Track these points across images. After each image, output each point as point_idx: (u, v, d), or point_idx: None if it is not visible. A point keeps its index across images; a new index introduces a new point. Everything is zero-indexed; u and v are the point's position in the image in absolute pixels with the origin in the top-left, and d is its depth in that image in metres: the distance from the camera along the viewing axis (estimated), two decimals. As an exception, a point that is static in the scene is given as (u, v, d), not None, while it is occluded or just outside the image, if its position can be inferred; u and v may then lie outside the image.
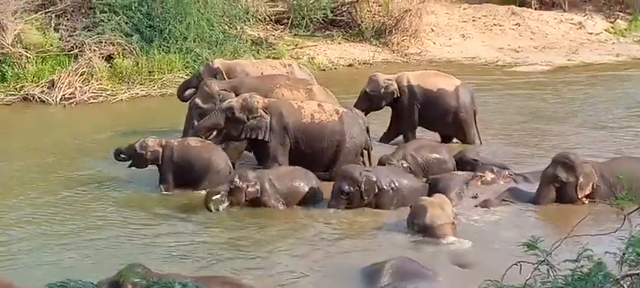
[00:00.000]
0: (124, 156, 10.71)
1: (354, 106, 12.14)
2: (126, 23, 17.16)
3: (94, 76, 16.22)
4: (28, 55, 16.17)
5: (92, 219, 9.66)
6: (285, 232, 9.32)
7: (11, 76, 15.93)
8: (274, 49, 19.37)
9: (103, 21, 17.06)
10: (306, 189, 10.07)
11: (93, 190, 10.58)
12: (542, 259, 3.20)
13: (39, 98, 15.66)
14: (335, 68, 19.15)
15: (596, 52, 21.51)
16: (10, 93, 15.73)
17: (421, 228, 8.88)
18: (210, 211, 9.58)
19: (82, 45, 16.67)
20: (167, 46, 17.08)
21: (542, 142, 13.09)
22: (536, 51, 21.32)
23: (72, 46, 16.73)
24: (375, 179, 9.90)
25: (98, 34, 16.93)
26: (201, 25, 17.53)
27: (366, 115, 12.02)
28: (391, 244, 8.79)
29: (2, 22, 16.02)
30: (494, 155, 11.99)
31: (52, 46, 16.65)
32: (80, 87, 15.94)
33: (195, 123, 11.44)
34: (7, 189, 10.80)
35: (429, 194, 9.87)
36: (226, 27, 18.47)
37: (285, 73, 13.09)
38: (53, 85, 15.88)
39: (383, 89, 12.53)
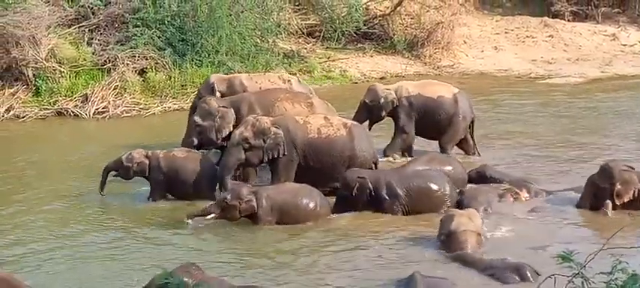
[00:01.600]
0: (114, 173, 10.87)
1: (354, 117, 12.15)
2: (158, 37, 17.25)
3: (127, 90, 16.32)
4: (62, 70, 16.29)
5: (125, 231, 9.70)
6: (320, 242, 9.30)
7: (45, 90, 16.06)
8: (306, 62, 19.38)
9: (135, 35, 17.17)
10: (311, 206, 9.89)
11: (126, 204, 10.67)
12: (577, 272, 3.15)
13: (73, 112, 15.77)
14: (367, 81, 19.08)
15: (630, 63, 21.30)
16: (45, 107, 15.85)
17: (445, 235, 8.82)
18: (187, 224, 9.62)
19: (115, 59, 16.77)
20: (199, 60, 17.14)
21: (576, 154, 12.95)
22: (569, 63, 21.15)
23: (105, 61, 16.84)
24: (369, 185, 9.99)
25: (131, 48, 17.03)
26: (234, 38, 17.58)
27: (369, 128, 12.18)
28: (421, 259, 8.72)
29: (36, 36, 16.14)
30: (528, 169, 11.91)
31: (85, 60, 16.77)
32: (113, 101, 16.04)
33: (194, 140, 11.48)
34: (42, 202, 10.86)
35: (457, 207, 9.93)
36: (258, 40, 18.50)
37: (284, 87, 13.08)
38: (87, 99, 15.99)
39: (382, 99, 12.48)
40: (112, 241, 9.35)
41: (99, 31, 17.56)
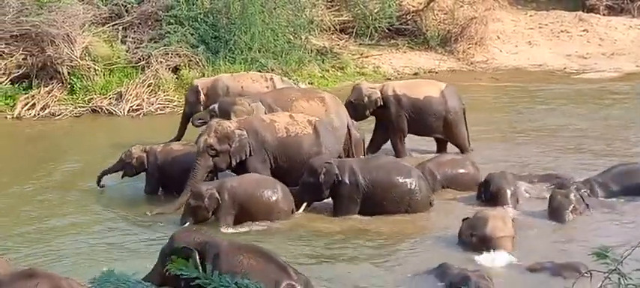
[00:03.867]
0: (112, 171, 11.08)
1: None
2: (191, 35, 17.32)
3: (161, 88, 16.39)
4: (96, 68, 16.39)
5: (160, 228, 9.77)
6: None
7: (80, 88, 16.17)
8: (339, 58, 19.36)
9: (169, 33, 17.24)
10: (273, 199, 9.86)
11: (161, 202, 10.74)
12: (613, 268, 3.11)
13: (107, 110, 15.86)
14: (400, 77, 19.01)
15: (667, 57, 21.07)
16: (79, 105, 15.95)
17: (480, 238, 8.71)
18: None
19: (149, 57, 16.86)
20: (232, 57, 17.18)
21: (613, 149, 12.85)
22: (604, 58, 20.94)
23: (139, 58, 16.93)
24: (336, 171, 9.98)
25: (164, 45, 17.11)
26: (266, 35, 17.62)
27: None
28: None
29: (71, 35, 16.25)
30: (564, 163, 11.85)
31: (119, 58, 16.86)
32: (147, 98, 16.12)
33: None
34: (80, 202, 10.97)
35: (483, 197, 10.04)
36: (291, 37, 18.52)
37: (267, 86, 13.01)
38: (121, 97, 16.08)
39: (366, 98, 12.44)
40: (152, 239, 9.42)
41: (132, 28, 17.65)
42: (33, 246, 9.33)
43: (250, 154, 10.48)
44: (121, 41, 17.32)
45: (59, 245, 9.35)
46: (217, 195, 9.71)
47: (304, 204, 10.17)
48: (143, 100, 16.06)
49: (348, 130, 11.47)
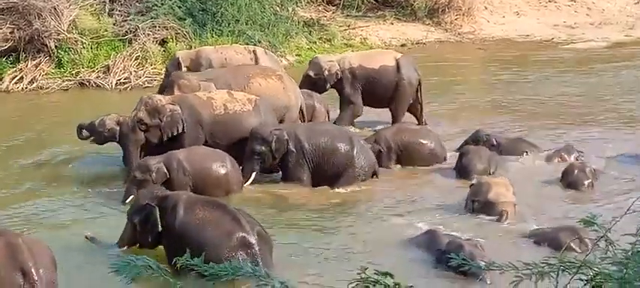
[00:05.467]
0: (86, 133, 10.94)
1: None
2: (179, 7, 17.25)
3: (149, 61, 16.34)
4: (84, 41, 16.33)
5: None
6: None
7: (67, 61, 16.11)
8: (326, 30, 19.33)
9: (156, 5, 17.16)
10: (222, 171, 9.82)
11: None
12: (602, 235, 3.15)
13: (95, 83, 15.82)
14: (387, 48, 19.01)
15: (654, 27, 21.13)
16: (67, 78, 15.90)
17: (482, 204, 8.85)
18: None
19: (136, 30, 16.79)
20: (220, 30, 17.14)
21: (599, 119, 12.93)
22: (592, 27, 21.00)
23: (126, 31, 16.86)
24: (286, 137, 10.05)
25: (151, 18, 17.04)
26: (253, 7, 17.57)
27: None
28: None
29: (58, 8, 16.17)
30: (552, 133, 11.96)
31: (106, 31, 16.78)
32: (135, 71, 16.08)
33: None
34: (68, 175, 11.00)
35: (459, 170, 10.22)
36: (278, 8, 18.47)
37: (250, 58, 12.97)
38: (108, 70, 16.03)
39: (326, 72, 12.39)
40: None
41: (119, 1, 17.54)
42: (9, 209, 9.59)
43: (183, 130, 10.35)
44: (108, 14, 17.22)
45: (30, 209, 9.63)
46: (165, 169, 9.65)
47: (253, 174, 10.13)
48: (131, 73, 16.02)
49: (301, 110, 11.40)
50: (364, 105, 12.61)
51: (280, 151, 10.09)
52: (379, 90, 12.35)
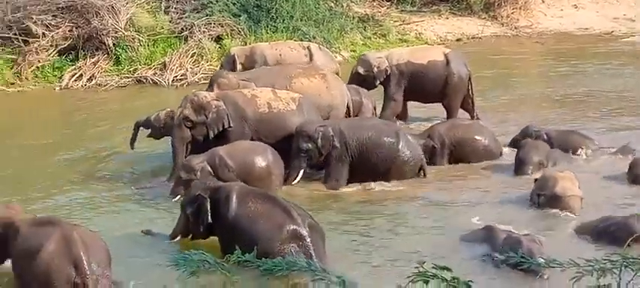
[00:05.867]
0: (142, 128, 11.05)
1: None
2: (233, 4, 17.34)
3: (204, 57, 16.46)
4: (141, 38, 16.50)
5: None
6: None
7: (125, 59, 16.29)
8: (381, 25, 19.27)
9: (211, 2, 17.28)
10: (263, 164, 9.77)
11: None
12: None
13: (152, 80, 15.97)
14: (443, 43, 18.91)
15: None
16: (125, 76, 16.09)
17: (548, 198, 8.78)
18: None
19: (192, 27, 16.92)
20: (274, 26, 17.19)
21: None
22: (653, 20, 20.64)
23: (182, 28, 16.99)
24: (331, 133, 10.00)
25: (207, 15, 17.16)
26: (308, 3, 17.58)
27: None
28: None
29: (115, 6, 16.37)
30: (611, 128, 11.81)
31: (162, 28, 16.94)
32: (191, 68, 16.20)
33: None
34: (124, 169, 11.13)
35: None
36: (332, 4, 18.47)
37: (304, 54, 12.98)
38: (165, 67, 16.18)
39: (376, 68, 12.31)
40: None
41: (175, -1, 17.71)
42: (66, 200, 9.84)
43: (229, 125, 10.35)
44: (164, 12, 17.38)
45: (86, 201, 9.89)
46: (209, 168, 9.67)
47: (301, 171, 10.13)
48: (187, 69, 16.15)
49: (348, 108, 11.35)
50: (413, 101, 12.57)
51: (326, 148, 10.09)
52: (428, 85, 12.27)
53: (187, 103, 10.44)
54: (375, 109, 11.96)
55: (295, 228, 7.56)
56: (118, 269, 7.10)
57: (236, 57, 13.03)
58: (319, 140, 10.04)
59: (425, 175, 10.32)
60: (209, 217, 8.00)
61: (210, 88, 11.30)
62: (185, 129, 10.39)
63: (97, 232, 7.30)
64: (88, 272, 6.65)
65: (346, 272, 2.57)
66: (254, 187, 8.53)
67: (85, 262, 6.65)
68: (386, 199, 9.77)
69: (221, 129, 10.34)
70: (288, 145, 10.20)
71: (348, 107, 11.36)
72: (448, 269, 2.49)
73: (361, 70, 12.38)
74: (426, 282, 2.51)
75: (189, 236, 8.31)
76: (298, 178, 10.12)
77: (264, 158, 9.81)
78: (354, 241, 8.46)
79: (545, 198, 8.87)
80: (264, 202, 7.86)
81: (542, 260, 3.32)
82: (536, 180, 9.21)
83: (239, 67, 12.82)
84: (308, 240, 7.53)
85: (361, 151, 10.12)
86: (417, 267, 2.49)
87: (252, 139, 10.35)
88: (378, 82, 12.38)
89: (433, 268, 2.49)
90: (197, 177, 9.50)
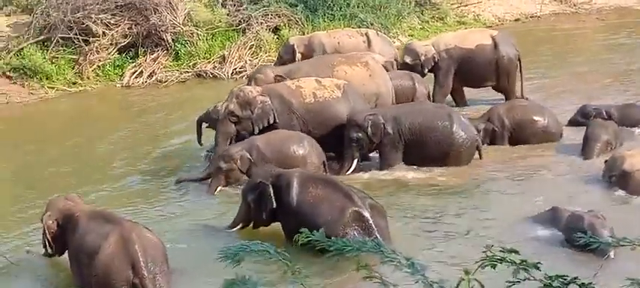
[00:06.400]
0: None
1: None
2: (290, -6, 17.41)
3: (263, 49, 16.53)
4: (199, 33, 16.61)
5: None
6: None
7: (184, 54, 16.41)
8: (438, 8, 19.15)
9: (268, -7, 17.35)
10: (300, 152, 9.72)
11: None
12: None
13: (211, 74, 16.07)
14: (501, 24, 18.74)
15: None
16: (185, 70, 16.21)
17: (618, 176, 8.71)
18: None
19: (249, 19, 16.99)
20: (332, 14, 17.19)
21: None
22: None
23: (239, 21, 17.07)
24: (382, 121, 9.93)
25: (264, 6, 17.23)
26: (364, -11, 17.56)
27: None
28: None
29: (173, 1, 16.52)
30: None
31: (220, 21, 17.04)
32: (250, 60, 16.27)
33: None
34: (181, 164, 11.23)
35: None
36: (389, -11, 18.41)
37: (363, 41, 12.93)
38: (224, 60, 16.27)
39: (423, 56, 12.21)
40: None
41: (232, -9, 17.80)
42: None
43: (275, 121, 10.31)
44: (222, 5, 17.49)
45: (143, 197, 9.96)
46: (248, 155, 9.71)
47: (355, 161, 10.11)
48: (246, 62, 16.22)
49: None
50: (464, 85, 12.48)
51: (377, 136, 10.06)
52: (477, 69, 12.20)
53: (233, 98, 10.44)
54: (429, 94, 11.88)
55: (357, 210, 7.68)
56: (177, 260, 7.22)
57: (295, 47, 13.07)
58: (369, 129, 10.02)
59: (480, 156, 10.24)
60: (273, 202, 8.08)
61: (249, 84, 11.30)
62: (229, 124, 10.40)
63: (152, 230, 7.36)
64: (145, 274, 6.78)
65: (414, 256, 2.55)
66: (315, 173, 8.62)
67: (142, 263, 6.79)
68: (447, 182, 9.73)
69: (266, 125, 10.31)
70: (338, 133, 10.21)
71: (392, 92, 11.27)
72: (516, 252, 2.47)
73: (408, 60, 12.33)
74: (494, 266, 2.50)
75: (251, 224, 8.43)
76: (352, 168, 10.10)
77: (300, 147, 9.78)
78: (417, 225, 8.45)
79: (616, 177, 8.79)
80: (325, 187, 7.98)
81: (609, 239, 3.27)
82: (606, 161, 9.14)
83: (299, 56, 12.85)
84: (370, 221, 7.64)
85: (415, 135, 10.08)
86: (484, 251, 2.48)
87: (301, 131, 10.31)
88: (427, 70, 12.30)
89: (501, 251, 2.48)
90: (238, 166, 9.61)
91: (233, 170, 9.72)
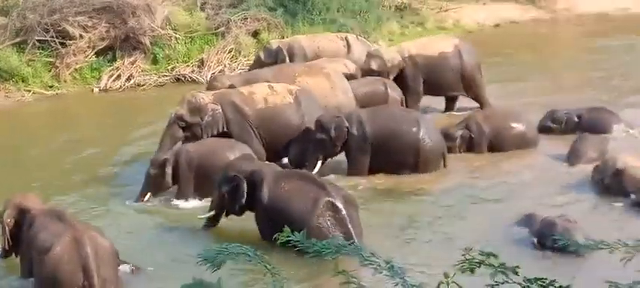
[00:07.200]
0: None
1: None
2: (270, -2, 17.36)
3: (242, 53, 16.48)
4: (178, 36, 16.55)
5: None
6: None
7: (162, 57, 16.34)
8: (418, 14, 19.19)
9: (247, -3, 17.31)
10: (231, 160, 9.27)
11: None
12: None
13: (190, 78, 16.00)
14: (481, 29, 18.79)
15: None
16: (163, 74, 16.14)
17: (612, 176, 8.69)
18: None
19: (228, 22, 16.94)
20: (311, 18, 17.18)
21: None
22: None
23: (218, 25, 17.02)
24: (345, 124, 9.93)
25: (243, 10, 17.18)
26: (344, -6, 17.55)
27: None
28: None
29: (151, 5, 16.44)
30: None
31: (199, 25, 16.99)
32: (229, 64, 16.24)
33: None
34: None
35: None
36: (368, -5, 18.41)
37: (343, 45, 12.93)
38: (203, 64, 16.22)
39: (389, 64, 12.15)
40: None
41: (211, -5, 17.75)
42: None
43: (225, 129, 10.18)
44: (201, 8, 17.44)
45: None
46: (175, 162, 9.57)
47: (319, 163, 10.02)
48: (225, 66, 16.17)
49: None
50: (430, 94, 12.44)
51: (340, 138, 9.98)
52: (441, 78, 12.19)
53: (184, 103, 10.30)
54: (402, 100, 11.76)
55: (330, 200, 7.74)
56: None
57: (282, 48, 13.01)
58: (332, 130, 9.93)
59: (445, 165, 10.14)
60: (245, 197, 8.17)
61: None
62: (178, 128, 10.23)
63: (102, 233, 7.30)
64: (96, 277, 6.79)
65: (393, 259, 2.50)
66: (287, 169, 8.67)
67: (92, 266, 6.79)
68: (422, 187, 9.68)
69: (215, 133, 10.16)
70: (285, 140, 10.15)
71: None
72: (494, 256, 2.43)
73: (374, 66, 12.18)
74: (473, 270, 2.45)
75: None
76: (316, 169, 9.90)
77: (230, 154, 9.44)
78: (395, 230, 8.40)
79: (610, 178, 8.75)
80: (299, 180, 8.10)
81: (588, 242, 3.23)
82: (595, 167, 9.13)
83: (288, 59, 12.80)
84: (343, 212, 7.70)
85: (381, 139, 9.96)
86: (463, 254, 2.44)
87: (256, 137, 10.16)
88: (392, 77, 12.17)
89: (480, 254, 2.43)
90: (165, 170, 9.50)
91: (161, 176, 9.58)
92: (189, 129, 10.19)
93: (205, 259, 2.53)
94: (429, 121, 10.58)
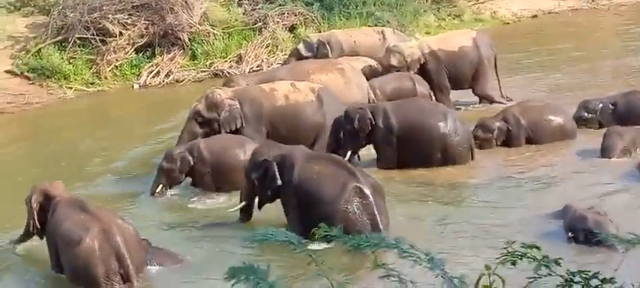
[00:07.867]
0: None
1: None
2: (306, -8, 17.40)
3: (279, 47, 16.53)
4: (215, 32, 16.64)
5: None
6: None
7: (201, 53, 16.44)
8: (454, 5, 19.10)
9: (284, -8, 17.36)
10: (241, 158, 9.38)
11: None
12: None
13: (228, 72, 16.05)
14: (518, 20, 18.68)
15: None
16: (201, 70, 16.24)
17: None
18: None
19: (265, 18, 17.01)
20: (347, 12, 17.18)
21: None
22: None
23: (255, 20, 17.10)
24: (368, 116, 9.94)
25: (280, 5, 17.24)
26: (380, -13, 17.53)
27: None
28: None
29: (189, 1, 16.54)
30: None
31: (237, 21, 17.08)
32: (266, 59, 16.29)
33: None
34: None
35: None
36: (406, -13, 18.37)
37: (379, 39, 12.91)
38: (241, 59, 16.30)
39: (409, 59, 12.08)
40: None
41: (248, -9, 17.82)
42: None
43: (242, 125, 10.22)
44: (238, 4, 17.52)
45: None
46: (189, 157, 9.62)
47: (349, 153, 9.98)
48: (262, 60, 16.24)
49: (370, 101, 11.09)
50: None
51: (364, 129, 9.99)
52: (460, 72, 12.18)
53: (203, 99, 10.39)
54: (431, 96, 11.69)
55: (358, 186, 7.77)
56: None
57: (322, 41, 13.03)
58: (356, 121, 9.96)
59: (472, 157, 10.09)
60: (278, 180, 8.12)
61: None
62: (196, 124, 10.30)
63: (129, 222, 7.51)
64: (129, 263, 6.99)
65: (432, 252, 2.54)
66: (317, 152, 8.87)
67: (125, 253, 6.99)
68: (457, 179, 9.67)
69: (233, 129, 10.21)
70: (311, 137, 10.17)
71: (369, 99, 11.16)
72: (537, 248, 2.45)
73: (394, 62, 12.15)
74: (514, 262, 2.48)
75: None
76: (346, 159, 9.66)
77: (241, 152, 9.52)
78: (434, 221, 8.40)
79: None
80: (329, 164, 8.10)
81: (630, 236, 3.24)
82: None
83: (330, 53, 12.83)
84: (371, 198, 7.74)
85: (408, 132, 9.95)
86: (505, 247, 2.47)
87: (268, 135, 10.17)
88: (413, 72, 12.10)
89: (522, 246, 2.46)
90: (178, 167, 9.57)
91: (173, 171, 9.63)
92: (208, 124, 10.29)
93: (252, 242, 2.58)
94: (455, 114, 10.49)
